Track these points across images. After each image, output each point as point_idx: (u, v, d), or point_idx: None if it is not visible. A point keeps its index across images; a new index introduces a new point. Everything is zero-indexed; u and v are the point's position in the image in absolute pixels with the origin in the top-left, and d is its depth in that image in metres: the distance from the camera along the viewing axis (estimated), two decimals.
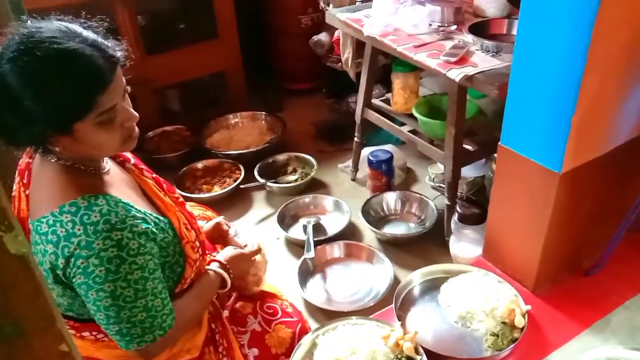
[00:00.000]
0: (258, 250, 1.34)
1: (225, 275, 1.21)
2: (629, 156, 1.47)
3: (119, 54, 0.96)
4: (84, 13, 1.01)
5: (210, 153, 2.44)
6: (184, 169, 2.35)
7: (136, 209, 1.00)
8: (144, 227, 0.98)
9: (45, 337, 0.49)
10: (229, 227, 1.41)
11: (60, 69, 0.89)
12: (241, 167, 2.34)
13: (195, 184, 2.29)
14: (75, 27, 0.94)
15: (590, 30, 1.12)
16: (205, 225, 1.37)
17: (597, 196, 1.49)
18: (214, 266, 1.21)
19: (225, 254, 1.26)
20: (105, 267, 0.92)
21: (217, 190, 2.23)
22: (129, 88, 1.00)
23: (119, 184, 1.05)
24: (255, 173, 2.28)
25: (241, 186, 2.25)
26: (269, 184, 2.24)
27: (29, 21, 0.94)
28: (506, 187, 1.49)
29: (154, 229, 1.01)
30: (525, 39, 1.28)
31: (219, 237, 1.38)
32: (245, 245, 1.34)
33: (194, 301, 1.14)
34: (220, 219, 1.41)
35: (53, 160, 0.99)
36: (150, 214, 1.05)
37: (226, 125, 2.66)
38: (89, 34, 0.94)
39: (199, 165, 2.39)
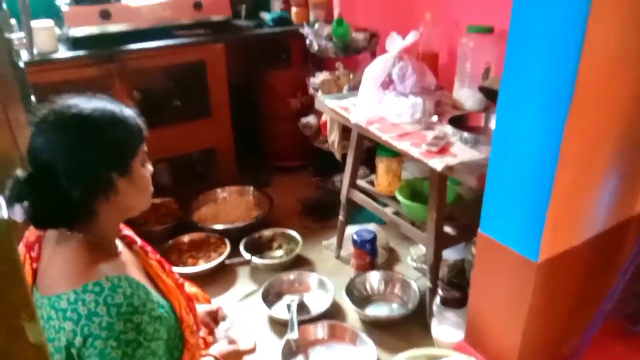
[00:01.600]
0: (253, 350, 1.34)
1: None
2: (605, 245, 1.55)
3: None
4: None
5: (196, 227, 2.47)
6: (170, 242, 2.36)
7: (152, 293, 1.03)
8: (159, 311, 1.00)
9: None
10: (225, 318, 1.42)
11: (115, 119, 1.03)
12: (227, 241, 2.36)
13: (181, 258, 2.30)
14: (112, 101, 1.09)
15: (561, 131, 1.22)
16: (201, 307, 1.38)
17: (576, 284, 1.55)
18: None
19: (220, 349, 1.26)
20: (123, 350, 0.93)
21: (203, 265, 2.24)
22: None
23: (130, 265, 1.08)
24: (241, 248, 2.31)
25: (226, 261, 2.26)
26: (254, 260, 2.26)
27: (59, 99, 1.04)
28: (486, 272, 1.54)
29: (165, 315, 1.03)
30: (502, 136, 1.38)
31: (212, 321, 1.39)
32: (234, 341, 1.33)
33: None
34: (218, 305, 1.42)
35: (79, 236, 1.02)
36: (160, 298, 1.07)
37: (214, 199, 2.72)
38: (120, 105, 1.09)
39: (185, 238, 2.41)
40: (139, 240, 1.21)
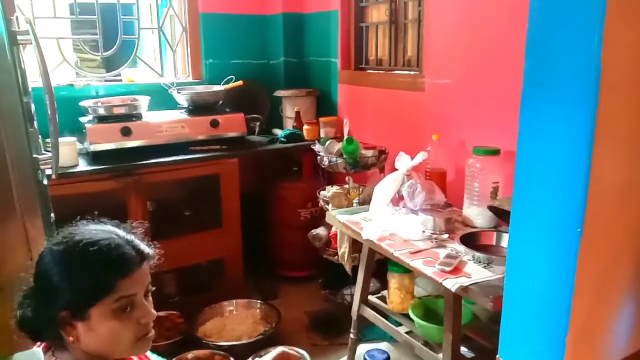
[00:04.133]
0: None
1: None
2: None
3: (148, 251, 1.05)
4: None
5: (201, 343, 2.39)
6: (174, 359, 2.27)
7: None
8: None
9: None
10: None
11: (89, 251, 0.98)
12: (232, 359, 2.27)
13: None
14: (114, 227, 1.06)
15: (575, 259, 1.22)
16: (266, 357, 1.28)
17: None
18: None
19: None
20: None
21: None
22: (152, 288, 1.06)
23: None
24: None
25: None
26: None
27: (84, 222, 1.07)
28: None
29: None
30: (516, 260, 1.38)
31: None
32: None
33: None
34: (282, 349, 1.31)
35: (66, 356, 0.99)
36: None
37: (220, 312, 2.66)
38: (124, 232, 1.06)
39: (190, 355, 2.31)
40: None
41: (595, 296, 1.31)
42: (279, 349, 1.37)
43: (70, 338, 0.99)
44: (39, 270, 1.01)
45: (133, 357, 1.16)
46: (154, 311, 1.06)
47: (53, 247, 1.01)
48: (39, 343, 1.06)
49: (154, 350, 2.27)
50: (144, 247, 1.06)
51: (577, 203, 1.20)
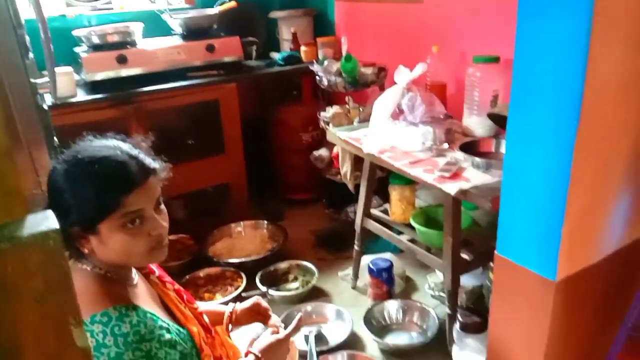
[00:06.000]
0: (298, 327, 1.32)
1: None
2: (622, 263, 1.54)
3: (154, 165, 1.06)
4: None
5: (212, 261, 2.49)
6: (187, 277, 2.38)
7: (161, 319, 1.04)
8: (169, 336, 1.02)
9: None
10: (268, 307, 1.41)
11: (92, 169, 0.99)
12: (243, 275, 2.38)
13: (198, 293, 2.31)
14: (120, 142, 1.06)
15: (571, 153, 1.25)
16: (240, 306, 1.38)
17: (595, 303, 1.54)
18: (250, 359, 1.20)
19: (260, 344, 1.24)
20: None
21: (219, 299, 2.25)
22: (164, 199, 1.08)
23: (144, 296, 1.10)
24: (257, 281, 2.32)
25: (243, 294, 2.27)
26: (270, 292, 2.26)
27: (89, 137, 1.08)
28: (504, 294, 1.54)
29: (176, 339, 1.04)
30: (513, 159, 1.41)
31: (258, 315, 1.38)
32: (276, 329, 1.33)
33: None
34: (257, 298, 1.42)
35: (87, 268, 1.05)
36: (173, 325, 1.08)
37: (229, 233, 2.74)
38: (129, 147, 1.05)
39: (201, 273, 2.42)
40: (157, 271, 1.23)
41: (591, 188, 1.35)
42: (254, 298, 1.44)
43: (86, 250, 1.03)
44: (48, 188, 1.04)
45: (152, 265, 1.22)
46: (164, 223, 1.08)
47: (57, 165, 1.02)
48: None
49: (167, 270, 2.38)
50: (149, 161, 1.06)
51: (573, 97, 1.21)
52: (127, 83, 2.55)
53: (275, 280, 2.40)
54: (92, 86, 2.53)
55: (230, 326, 1.38)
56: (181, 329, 1.10)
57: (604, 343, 1.56)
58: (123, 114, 2.50)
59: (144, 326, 0.98)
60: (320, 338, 2.02)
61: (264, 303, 1.42)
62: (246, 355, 1.22)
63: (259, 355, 1.22)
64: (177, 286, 1.25)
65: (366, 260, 2.29)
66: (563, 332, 1.46)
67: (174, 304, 1.17)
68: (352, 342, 2.02)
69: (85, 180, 0.99)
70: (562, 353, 1.50)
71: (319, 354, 1.89)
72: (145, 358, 0.96)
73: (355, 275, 2.36)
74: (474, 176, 1.70)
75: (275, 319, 1.42)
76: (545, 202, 1.35)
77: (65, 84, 2.40)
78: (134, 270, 1.14)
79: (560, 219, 1.32)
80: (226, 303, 2.17)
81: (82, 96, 2.45)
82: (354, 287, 2.37)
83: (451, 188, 1.64)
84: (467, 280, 2.08)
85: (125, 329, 0.96)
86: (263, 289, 2.28)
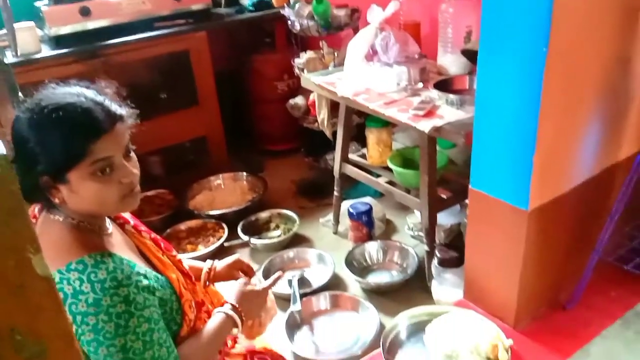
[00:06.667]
0: (275, 280, 1.32)
1: (237, 318, 1.19)
2: (593, 192, 1.58)
3: (120, 111, 1.03)
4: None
5: (193, 214, 2.49)
6: (168, 231, 2.38)
7: (138, 266, 1.04)
8: (145, 282, 1.02)
9: (66, 356, 0.53)
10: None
11: (58, 116, 0.95)
12: (224, 226, 2.38)
13: (180, 245, 2.32)
14: (84, 89, 1.02)
15: (540, 81, 1.25)
16: (220, 263, 1.38)
17: (568, 231, 1.58)
18: (226, 308, 1.20)
19: (235, 293, 1.24)
20: (115, 322, 0.95)
21: (202, 250, 2.26)
22: (133, 147, 1.06)
23: (120, 244, 1.09)
24: (239, 231, 2.33)
25: (225, 244, 2.29)
26: (252, 240, 2.28)
27: (52, 85, 1.03)
28: (479, 227, 1.58)
29: (154, 285, 1.04)
30: (484, 91, 1.41)
31: (238, 272, 1.38)
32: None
33: (203, 347, 1.14)
34: (238, 255, 1.42)
35: (59, 219, 1.03)
36: (151, 272, 1.08)
37: (208, 187, 2.73)
38: (93, 94, 1.01)
39: (182, 226, 2.43)
40: (131, 221, 1.22)
41: (561, 118, 1.36)
42: (235, 256, 1.43)
43: (57, 200, 1.01)
44: (13, 138, 1.00)
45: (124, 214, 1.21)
46: (135, 170, 1.06)
47: (21, 114, 0.99)
48: (34, 205, 1.09)
49: (148, 225, 2.37)
50: (115, 107, 1.02)
51: (542, 22, 1.20)
52: (92, 36, 2.46)
53: (257, 229, 2.42)
54: (57, 41, 2.44)
55: (207, 283, 1.39)
56: (159, 276, 1.10)
57: (576, 269, 1.62)
58: (90, 68, 2.41)
59: (121, 272, 0.98)
60: (303, 281, 2.05)
61: (245, 260, 1.43)
62: (223, 305, 1.24)
63: (236, 305, 1.22)
64: (153, 235, 1.24)
65: (346, 205, 2.31)
66: (536, 260, 1.50)
67: (151, 252, 1.17)
68: (334, 284, 2.06)
69: (50, 127, 0.96)
70: (536, 280, 1.55)
71: (302, 296, 1.93)
72: (123, 303, 0.96)
73: (336, 221, 2.39)
74: (448, 113, 1.70)
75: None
76: (516, 133, 1.36)
77: (28, 39, 2.31)
78: (107, 220, 1.12)
79: (532, 148, 1.33)
80: (209, 255, 2.22)
81: (46, 52, 2.36)
82: (335, 232, 2.40)
83: (425, 126, 1.64)
84: (445, 219, 2.12)
85: (101, 275, 0.96)
86: (245, 238, 2.29)
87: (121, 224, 1.19)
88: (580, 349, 1.48)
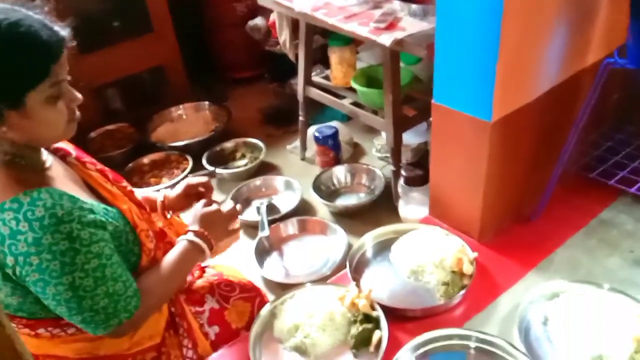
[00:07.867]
0: (235, 214, 1.27)
1: (202, 242, 1.15)
2: (559, 100, 1.54)
3: (64, 33, 0.96)
4: None
5: (155, 147, 2.41)
6: (130, 165, 2.31)
7: (82, 200, 0.98)
8: (91, 217, 0.96)
9: None
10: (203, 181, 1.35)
11: (15, 39, 0.89)
12: (189, 157, 2.32)
13: (143, 179, 2.26)
14: (20, 7, 0.94)
15: None
16: (172, 192, 1.33)
17: (532, 143, 1.56)
18: (188, 235, 1.16)
19: (194, 217, 1.19)
20: (60, 260, 0.91)
21: (166, 182, 2.21)
22: (69, 77, 0.99)
23: (61, 178, 1.02)
24: (204, 161, 2.27)
25: (190, 175, 2.22)
26: (218, 170, 2.23)
27: None
28: (443, 142, 1.54)
29: (102, 218, 0.99)
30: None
31: (194, 196, 1.33)
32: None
33: (165, 277, 1.11)
34: (187, 180, 1.35)
35: None
36: (98, 205, 1.02)
37: (170, 118, 2.64)
38: (35, 14, 0.94)
39: (145, 160, 2.35)
40: (73, 152, 1.15)
41: (524, 24, 1.29)
42: (184, 181, 1.36)
43: (4, 128, 0.93)
44: None
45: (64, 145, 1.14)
46: (79, 95, 1.01)
47: None
48: None
49: (109, 160, 2.28)
50: (58, 28, 0.95)
51: None
52: None
53: (223, 159, 2.37)
54: None
55: (170, 214, 1.34)
56: (109, 208, 1.05)
57: (541, 181, 1.61)
58: None
59: (60, 208, 0.92)
60: (271, 208, 2.03)
61: (194, 180, 1.36)
62: (185, 233, 1.19)
63: (199, 229, 1.17)
64: (99, 166, 1.17)
65: (312, 130, 2.25)
66: (500, 172, 1.48)
67: (97, 183, 1.11)
68: (302, 209, 2.05)
69: (11, 45, 0.89)
70: (500, 193, 1.54)
71: (271, 222, 1.91)
72: (66, 240, 0.91)
73: (303, 146, 2.34)
74: (411, 25, 1.62)
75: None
76: (479, 40, 1.29)
77: None
78: (44, 153, 1.05)
79: (494, 58, 1.27)
80: (173, 186, 2.16)
81: None
82: (303, 159, 2.36)
83: (386, 39, 1.56)
84: (412, 139, 2.09)
85: (39, 213, 0.90)
86: (211, 168, 2.24)
87: (62, 156, 1.12)
88: (544, 259, 1.50)
